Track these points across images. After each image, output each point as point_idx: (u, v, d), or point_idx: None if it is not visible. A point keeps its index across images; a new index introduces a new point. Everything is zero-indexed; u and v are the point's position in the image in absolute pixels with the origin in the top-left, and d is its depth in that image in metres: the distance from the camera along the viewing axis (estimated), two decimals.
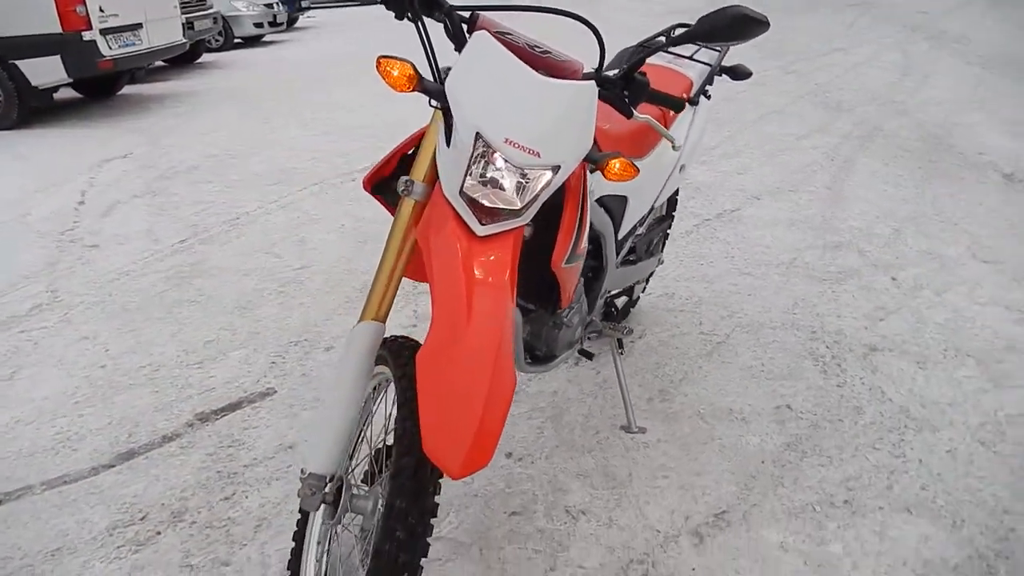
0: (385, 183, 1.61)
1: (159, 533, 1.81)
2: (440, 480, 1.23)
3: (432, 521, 1.23)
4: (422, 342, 1.23)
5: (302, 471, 1.39)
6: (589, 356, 2.08)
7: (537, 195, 1.30)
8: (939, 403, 2.24)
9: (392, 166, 1.59)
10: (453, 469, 1.07)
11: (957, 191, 4.12)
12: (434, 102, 1.38)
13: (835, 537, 1.77)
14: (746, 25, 1.25)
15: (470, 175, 1.27)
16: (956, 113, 5.78)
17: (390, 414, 1.54)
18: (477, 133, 1.24)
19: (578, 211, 1.45)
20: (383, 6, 1.39)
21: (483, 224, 1.29)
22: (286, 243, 3.64)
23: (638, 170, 1.42)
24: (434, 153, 1.38)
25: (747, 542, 1.76)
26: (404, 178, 1.40)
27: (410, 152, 1.59)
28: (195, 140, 5.75)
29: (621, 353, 2.16)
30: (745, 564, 1.70)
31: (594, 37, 1.35)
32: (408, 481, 1.20)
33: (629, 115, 1.51)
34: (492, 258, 1.27)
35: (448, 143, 1.32)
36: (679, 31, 1.57)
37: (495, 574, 1.68)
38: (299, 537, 1.62)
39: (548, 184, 1.30)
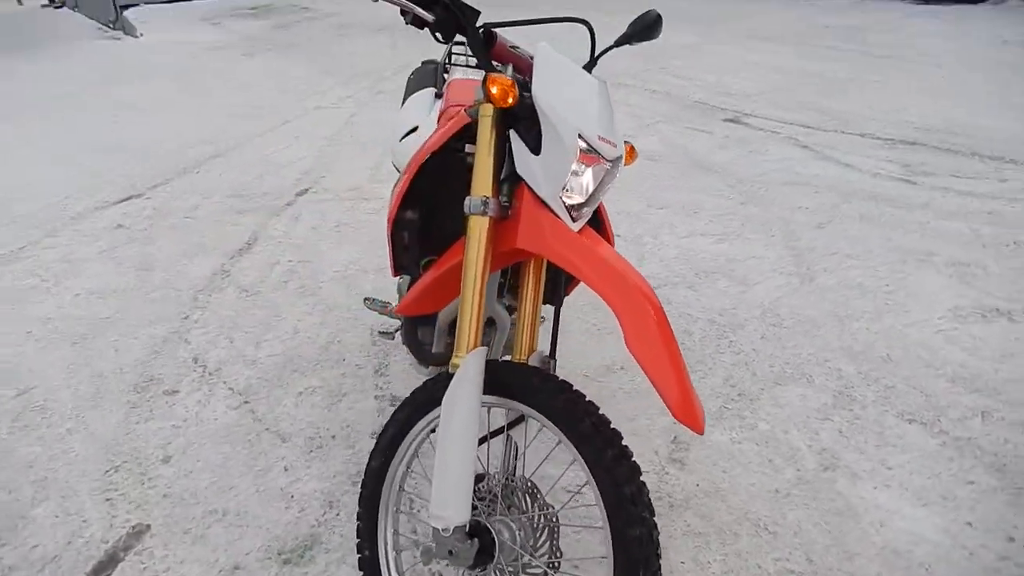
0: (399, 221, 1.63)
1: None
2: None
3: None
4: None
5: (444, 530, 1.26)
6: None
7: (600, 185, 1.38)
8: (727, 309, 2.86)
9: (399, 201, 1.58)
10: (699, 425, 1.15)
11: None
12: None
13: (756, 419, 2.19)
14: (658, 24, 1.55)
15: (570, 176, 1.30)
16: None
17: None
18: (580, 135, 1.28)
19: None
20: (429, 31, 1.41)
21: (574, 220, 1.33)
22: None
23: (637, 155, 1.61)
24: (493, 166, 1.35)
25: (712, 450, 2.07)
26: (477, 198, 1.33)
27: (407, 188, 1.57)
28: None
29: None
30: (725, 465, 2.01)
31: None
32: (620, 466, 1.21)
33: None
34: (602, 244, 1.33)
35: (535, 151, 1.32)
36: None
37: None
38: None
39: (614, 172, 1.40)
